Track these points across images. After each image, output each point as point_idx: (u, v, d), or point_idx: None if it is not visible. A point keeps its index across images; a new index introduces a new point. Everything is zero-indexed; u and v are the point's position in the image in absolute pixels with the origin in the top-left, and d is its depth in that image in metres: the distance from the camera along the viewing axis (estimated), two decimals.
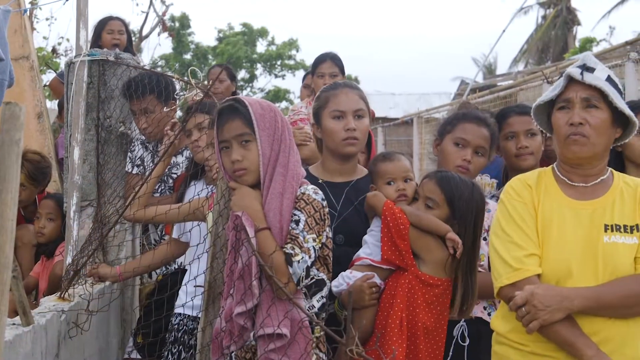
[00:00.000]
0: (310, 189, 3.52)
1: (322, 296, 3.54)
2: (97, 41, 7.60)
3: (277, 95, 39.76)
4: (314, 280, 3.46)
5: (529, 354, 3.30)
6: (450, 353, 3.96)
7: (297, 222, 3.42)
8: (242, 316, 3.36)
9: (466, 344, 3.99)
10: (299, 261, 3.32)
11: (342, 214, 3.99)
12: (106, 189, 5.40)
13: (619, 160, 4.53)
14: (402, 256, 3.73)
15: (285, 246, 3.36)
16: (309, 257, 3.37)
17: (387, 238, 3.76)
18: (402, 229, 3.73)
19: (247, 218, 3.37)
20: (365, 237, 3.91)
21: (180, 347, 4.67)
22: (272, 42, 41.88)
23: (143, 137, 5.59)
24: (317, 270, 3.51)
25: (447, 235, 3.69)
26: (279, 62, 41.67)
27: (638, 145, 4.46)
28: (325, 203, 3.55)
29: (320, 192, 3.56)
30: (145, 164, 5.59)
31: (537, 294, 3.12)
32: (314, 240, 3.42)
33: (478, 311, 4.05)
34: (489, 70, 39.45)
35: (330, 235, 3.59)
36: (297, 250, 3.34)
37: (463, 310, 3.78)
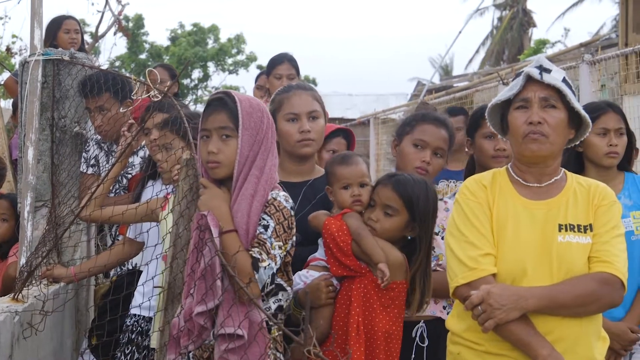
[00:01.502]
0: (282, 195, 3.47)
1: (278, 299, 3.53)
2: (52, 41, 7.51)
3: None
4: (273, 285, 3.44)
5: (483, 353, 3.32)
6: (413, 356, 3.94)
7: (266, 228, 3.38)
8: (202, 316, 3.33)
9: (425, 344, 3.98)
10: (265, 267, 3.29)
11: (299, 213, 3.98)
12: (61, 189, 5.34)
13: (579, 161, 4.54)
14: (351, 270, 3.72)
15: (253, 250, 3.33)
16: (275, 264, 3.35)
17: (332, 259, 3.75)
18: (342, 246, 3.70)
19: (212, 218, 3.34)
20: (321, 240, 3.90)
21: (134, 348, 4.63)
22: (216, 39, 41.40)
23: (98, 137, 5.54)
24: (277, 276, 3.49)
25: (378, 265, 3.65)
26: (227, 58, 41.21)
27: (601, 146, 4.44)
28: (293, 212, 3.51)
29: (290, 200, 3.52)
30: (100, 164, 5.53)
31: (493, 293, 3.14)
32: (280, 248, 3.39)
33: (437, 311, 4.03)
34: (446, 71, 39.58)
35: (294, 244, 3.55)
36: (265, 256, 3.31)
37: (418, 310, 3.78)
